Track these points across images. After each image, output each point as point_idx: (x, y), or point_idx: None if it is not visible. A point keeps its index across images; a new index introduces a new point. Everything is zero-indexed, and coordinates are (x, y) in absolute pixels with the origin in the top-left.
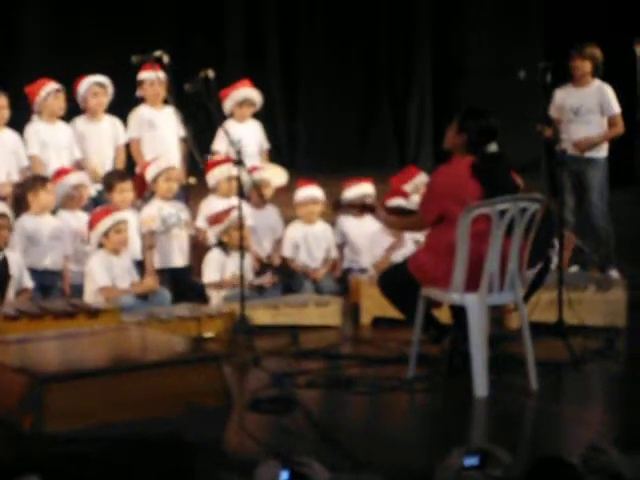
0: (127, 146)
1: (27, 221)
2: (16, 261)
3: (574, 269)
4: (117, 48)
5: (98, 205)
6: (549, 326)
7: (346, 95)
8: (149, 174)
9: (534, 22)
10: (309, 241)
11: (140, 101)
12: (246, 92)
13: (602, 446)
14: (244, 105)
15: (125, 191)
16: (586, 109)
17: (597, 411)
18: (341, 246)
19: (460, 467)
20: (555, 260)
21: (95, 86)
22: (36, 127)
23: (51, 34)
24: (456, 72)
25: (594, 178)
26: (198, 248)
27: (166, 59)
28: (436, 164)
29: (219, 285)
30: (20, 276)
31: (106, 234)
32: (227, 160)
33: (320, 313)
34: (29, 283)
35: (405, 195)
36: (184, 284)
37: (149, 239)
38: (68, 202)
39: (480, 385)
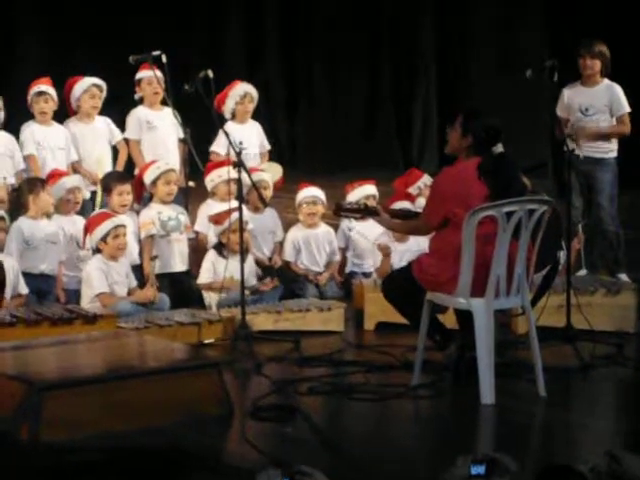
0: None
1: (23, 224)
2: (11, 266)
3: (583, 273)
4: (116, 48)
5: (92, 207)
6: (557, 331)
7: (349, 96)
8: (148, 177)
9: (538, 21)
10: (310, 244)
11: (139, 102)
12: (245, 87)
13: (612, 453)
14: (245, 100)
15: (124, 194)
16: (595, 109)
17: (606, 418)
18: (344, 250)
19: (466, 476)
20: (563, 263)
21: (93, 88)
22: (31, 128)
23: (48, 34)
24: (461, 73)
25: (604, 180)
26: (197, 252)
27: (164, 59)
28: (441, 166)
29: (210, 287)
30: (15, 282)
31: (104, 239)
32: (225, 162)
33: (322, 318)
34: (24, 289)
35: (410, 198)
36: (183, 289)
37: (148, 244)
38: (63, 206)
39: (487, 392)
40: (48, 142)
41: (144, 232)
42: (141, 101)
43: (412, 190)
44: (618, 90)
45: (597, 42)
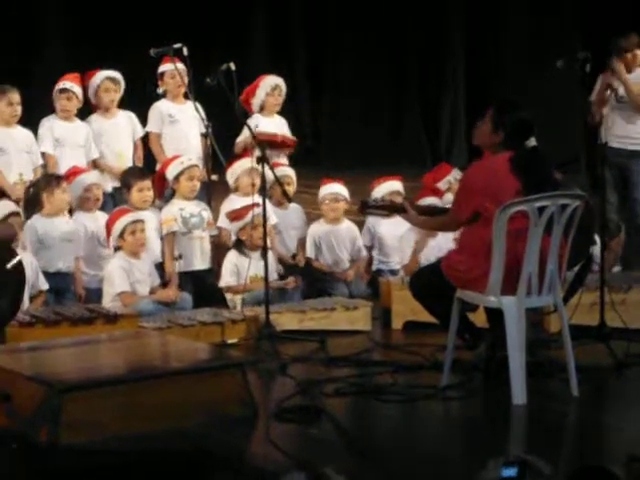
0: (145, 141)
1: (37, 222)
2: (29, 263)
3: (617, 269)
4: (137, 41)
5: (115, 203)
6: (590, 329)
7: (376, 92)
8: (170, 172)
9: (570, 18)
10: (331, 240)
11: (162, 96)
12: (275, 79)
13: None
14: (275, 92)
15: (144, 190)
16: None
17: None
18: (370, 247)
19: (497, 479)
20: (597, 259)
21: (107, 81)
22: (51, 123)
23: (71, 27)
24: (490, 68)
25: (638, 172)
26: (220, 248)
27: (185, 51)
28: (470, 160)
29: (235, 290)
30: (35, 278)
31: (121, 236)
32: (247, 154)
33: (349, 317)
34: (44, 285)
35: (437, 193)
36: (206, 288)
37: (170, 241)
38: (83, 203)
39: (518, 392)
40: (67, 139)
41: (166, 229)
42: (164, 95)
43: (441, 185)
44: None
45: (633, 33)
